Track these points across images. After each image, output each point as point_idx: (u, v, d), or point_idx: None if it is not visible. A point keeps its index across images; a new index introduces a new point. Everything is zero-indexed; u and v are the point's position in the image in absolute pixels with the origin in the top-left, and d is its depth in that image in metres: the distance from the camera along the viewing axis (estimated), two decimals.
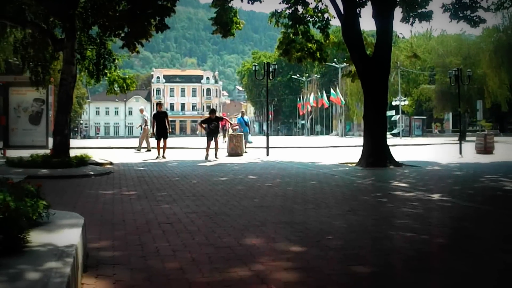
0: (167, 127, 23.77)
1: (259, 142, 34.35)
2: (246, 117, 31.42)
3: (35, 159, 15.80)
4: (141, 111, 31.21)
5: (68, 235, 4.73)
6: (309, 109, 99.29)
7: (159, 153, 23.28)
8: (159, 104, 25.95)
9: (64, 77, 17.37)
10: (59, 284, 3.37)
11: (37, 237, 4.43)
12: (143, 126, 29.23)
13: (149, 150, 28.36)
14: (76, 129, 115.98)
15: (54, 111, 21.46)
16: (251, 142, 32.16)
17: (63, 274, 3.53)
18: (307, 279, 4.80)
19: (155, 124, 23.76)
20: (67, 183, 12.87)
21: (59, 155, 16.43)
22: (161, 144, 23.45)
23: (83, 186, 12.33)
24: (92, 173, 15.24)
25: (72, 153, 17.59)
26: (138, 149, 29.01)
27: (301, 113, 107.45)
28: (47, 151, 18.24)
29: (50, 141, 21.19)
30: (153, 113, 25.45)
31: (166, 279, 4.75)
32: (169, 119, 24.81)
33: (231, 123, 34.34)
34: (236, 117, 40.37)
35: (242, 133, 27.09)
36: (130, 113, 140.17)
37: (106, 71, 22.64)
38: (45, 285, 3.31)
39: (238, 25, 23.72)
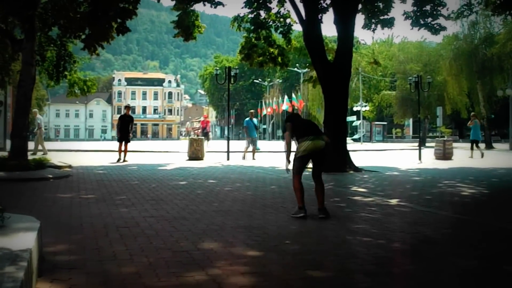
0: (130, 131, 23.56)
1: (220, 146, 34.31)
2: (255, 120, 27.26)
3: None
4: (35, 113, 30.16)
5: (23, 239, 4.68)
6: (269, 111, 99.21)
7: (120, 156, 23.06)
8: (127, 107, 25.49)
9: (22, 79, 17.10)
10: None
11: None
12: (35, 130, 28.66)
13: (34, 153, 27.64)
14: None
15: (13, 113, 21.14)
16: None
17: (16, 279, 3.50)
18: (263, 283, 4.82)
19: (119, 126, 23.57)
20: (24, 186, 12.70)
21: (17, 157, 16.20)
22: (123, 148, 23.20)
23: (40, 190, 12.16)
24: (50, 176, 15.04)
25: (31, 156, 17.35)
26: (34, 152, 28.10)
27: (265, 114, 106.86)
28: (5, 154, 17.96)
29: (8, 143, 20.89)
30: (120, 114, 24.89)
31: (122, 283, 4.73)
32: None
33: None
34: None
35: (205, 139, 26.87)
36: (91, 115, 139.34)
37: (66, 73, 22.41)
38: None
39: (199, 29, 23.73)
